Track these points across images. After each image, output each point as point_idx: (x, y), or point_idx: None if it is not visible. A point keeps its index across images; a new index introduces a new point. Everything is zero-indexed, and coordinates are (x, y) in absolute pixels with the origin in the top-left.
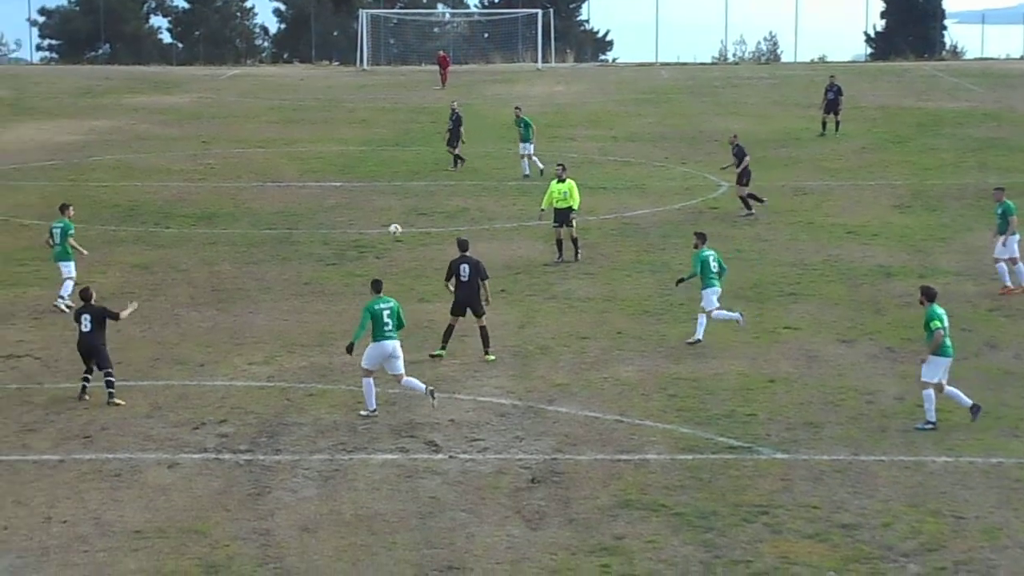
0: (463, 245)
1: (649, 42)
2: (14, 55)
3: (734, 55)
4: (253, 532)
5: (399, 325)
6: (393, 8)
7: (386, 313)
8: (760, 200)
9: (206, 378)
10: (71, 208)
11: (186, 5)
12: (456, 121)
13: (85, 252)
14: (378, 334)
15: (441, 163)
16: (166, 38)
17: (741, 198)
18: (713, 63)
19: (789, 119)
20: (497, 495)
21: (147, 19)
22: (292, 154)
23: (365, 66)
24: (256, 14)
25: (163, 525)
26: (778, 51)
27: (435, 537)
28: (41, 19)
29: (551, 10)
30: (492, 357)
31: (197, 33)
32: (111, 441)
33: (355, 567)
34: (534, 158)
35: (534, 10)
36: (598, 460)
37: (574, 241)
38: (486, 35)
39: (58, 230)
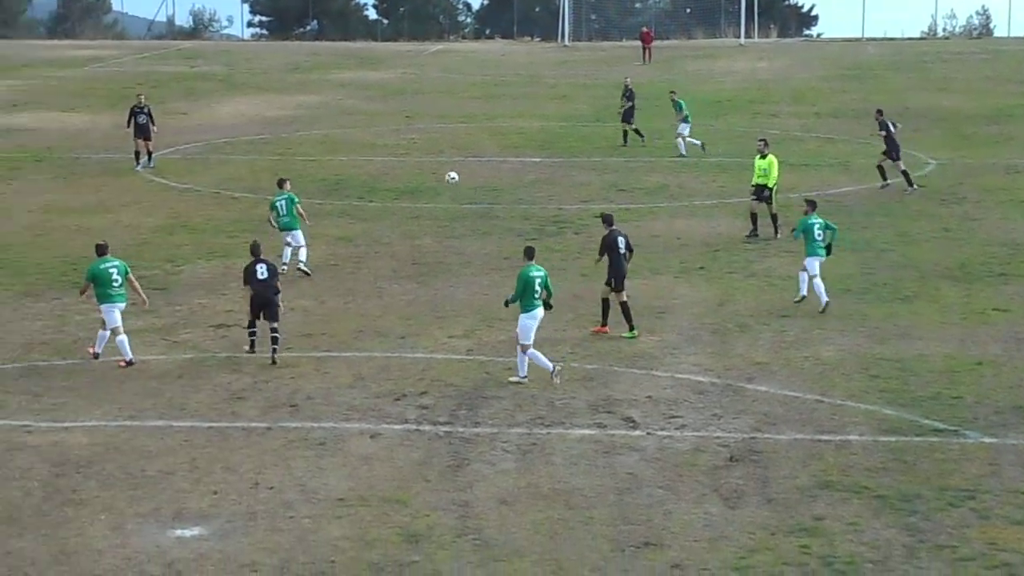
0: (609, 219)
1: (855, 17)
2: (226, 31)
3: (944, 30)
4: (452, 503)
5: (549, 294)
6: None
7: (537, 281)
8: (884, 179)
9: (407, 350)
10: (288, 182)
11: None
12: (629, 97)
13: (308, 221)
14: (528, 303)
15: (644, 139)
16: (371, 15)
17: (879, 167)
18: (922, 38)
19: (1002, 95)
20: (695, 473)
21: None
22: (493, 129)
23: (566, 42)
24: None
25: (365, 494)
26: (991, 25)
27: (632, 513)
28: None
29: None
30: (636, 333)
31: (402, 10)
32: (316, 410)
33: (552, 540)
34: (689, 138)
35: None
36: (798, 440)
37: (773, 218)
38: (688, 10)
39: (283, 202)
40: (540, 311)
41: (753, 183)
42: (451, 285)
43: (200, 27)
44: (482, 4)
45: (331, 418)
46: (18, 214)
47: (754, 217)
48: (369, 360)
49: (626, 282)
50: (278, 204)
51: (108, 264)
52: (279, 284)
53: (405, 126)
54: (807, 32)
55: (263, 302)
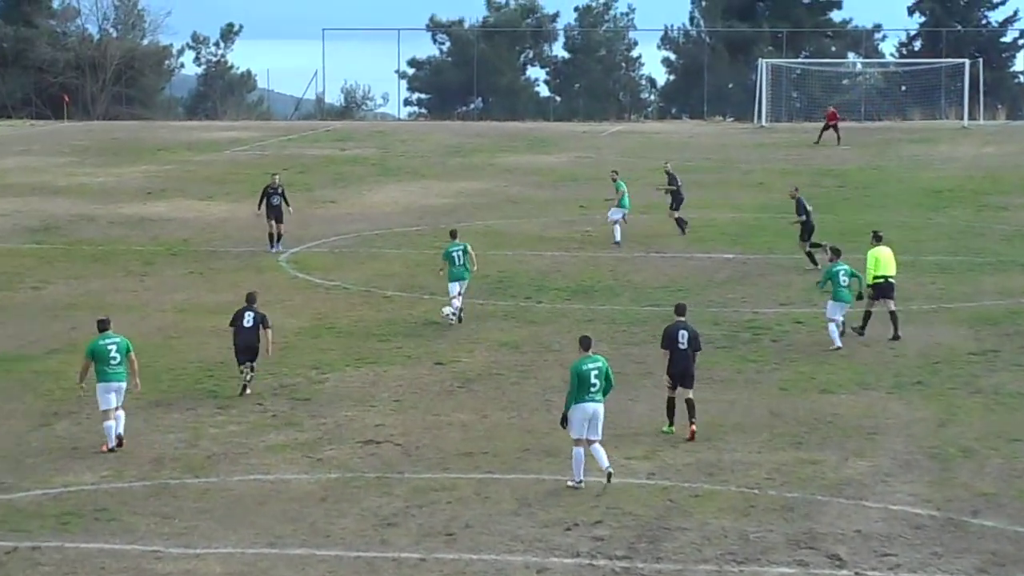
0: (680, 309)
1: None
2: (380, 110)
3: None
4: None
5: (607, 388)
6: (797, 57)
7: (593, 373)
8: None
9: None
10: (457, 232)
11: (566, 55)
12: (672, 182)
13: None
14: (582, 395)
15: (847, 233)
16: (543, 91)
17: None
18: None
19: None
20: None
21: (523, 71)
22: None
23: (763, 122)
24: (642, 64)
25: None
26: None
27: None
28: (410, 71)
29: (980, 60)
30: (672, 429)
31: (577, 86)
32: (475, 540)
33: None
34: (614, 223)
35: (960, 60)
36: None
37: (892, 316)
38: (903, 88)
39: (458, 252)
40: (594, 406)
41: (873, 276)
42: (630, 398)
43: (352, 106)
44: (667, 80)
45: (492, 549)
46: (151, 314)
47: (866, 316)
48: (536, 483)
49: (669, 376)
50: (454, 254)
51: (108, 340)
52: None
53: (579, 216)
54: None
55: (246, 346)
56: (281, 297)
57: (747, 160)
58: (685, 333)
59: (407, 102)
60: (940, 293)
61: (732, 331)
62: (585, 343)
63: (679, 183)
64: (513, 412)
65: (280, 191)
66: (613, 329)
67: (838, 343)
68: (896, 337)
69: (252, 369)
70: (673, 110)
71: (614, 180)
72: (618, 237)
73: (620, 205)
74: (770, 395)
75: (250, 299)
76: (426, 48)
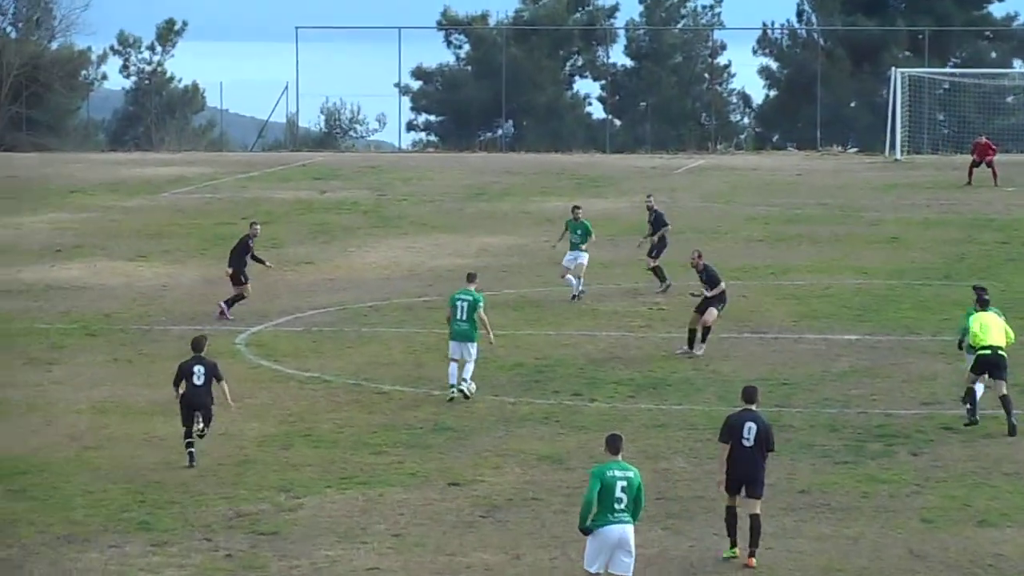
0: (749, 395)
1: None
2: (374, 137)
3: None
4: None
5: (636, 509)
6: (944, 66)
7: (621, 485)
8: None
9: None
10: (477, 277)
11: (628, 63)
12: (655, 222)
13: (491, 340)
14: (603, 514)
15: (1015, 305)
16: (596, 112)
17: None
18: None
19: None
20: None
21: (570, 84)
22: (782, 289)
23: (898, 154)
24: (733, 75)
25: None
26: None
27: None
28: (416, 84)
29: None
30: (736, 552)
31: (643, 105)
32: None
33: None
34: (570, 276)
35: None
36: None
37: (1002, 401)
38: None
39: (463, 303)
40: (620, 529)
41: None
42: (715, 531)
43: (336, 132)
44: (766, 97)
45: None
46: (60, 416)
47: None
48: None
49: (728, 482)
50: (458, 303)
51: None
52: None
53: (646, 283)
54: None
55: (196, 406)
56: (239, 393)
57: (876, 207)
58: (753, 426)
59: (411, 127)
60: None
61: (857, 440)
62: (613, 444)
63: (666, 224)
64: (556, 551)
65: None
66: (692, 437)
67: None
68: (1012, 432)
69: (207, 423)
70: (775, 138)
71: (576, 219)
72: (575, 285)
73: (578, 248)
74: (909, 529)
75: (197, 346)
76: (437, 53)
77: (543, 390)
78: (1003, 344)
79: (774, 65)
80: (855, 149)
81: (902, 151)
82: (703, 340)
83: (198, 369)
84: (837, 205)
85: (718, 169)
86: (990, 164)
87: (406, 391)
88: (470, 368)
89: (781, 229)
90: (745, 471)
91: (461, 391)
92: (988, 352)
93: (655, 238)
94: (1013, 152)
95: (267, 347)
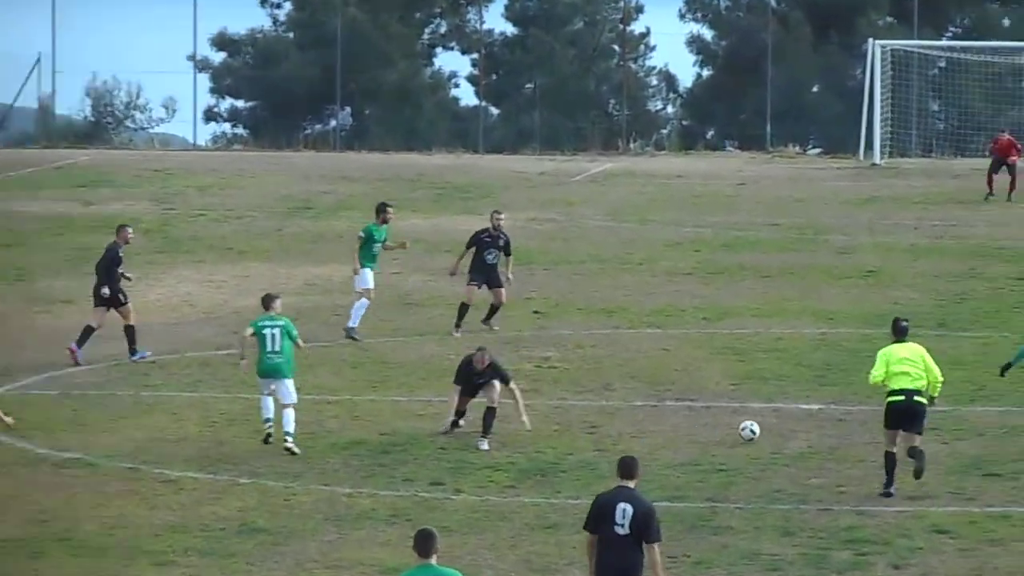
0: (626, 469)
1: None
2: (159, 128)
3: None
4: None
5: None
6: (939, 38)
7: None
8: None
9: None
10: (279, 300)
11: (510, 31)
12: (482, 244)
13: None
14: None
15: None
16: (466, 97)
17: None
18: None
19: None
20: None
21: (429, 58)
22: (718, 341)
23: (877, 158)
24: (652, 49)
25: None
26: None
27: None
28: (217, 57)
29: None
30: None
31: (530, 88)
32: None
33: None
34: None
35: None
36: None
37: (911, 454)
38: None
39: (273, 331)
40: None
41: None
42: None
43: (107, 121)
44: (697, 78)
45: None
46: None
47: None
48: None
49: None
50: (266, 333)
51: None
52: None
53: (532, 330)
54: None
55: None
56: None
57: (846, 228)
58: (629, 508)
59: (211, 115)
60: None
61: (819, 548)
62: (422, 544)
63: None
64: None
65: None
66: None
67: None
68: (918, 475)
69: None
70: (709, 134)
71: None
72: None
73: (366, 263)
74: None
75: None
76: (247, 14)
77: (390, 477)
78: (921, 388)
79: (708, 34)
80: (818, 150)
81: (883, 153)
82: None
83: None
84: (793, 226)
85: (631, 176)
86: (1011, 169)
87: (201, 478)
88: (291, 418)
89: (717, 258)
90: (617, 568)
91: (287, 447)
92: (900, 398)
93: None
94: None
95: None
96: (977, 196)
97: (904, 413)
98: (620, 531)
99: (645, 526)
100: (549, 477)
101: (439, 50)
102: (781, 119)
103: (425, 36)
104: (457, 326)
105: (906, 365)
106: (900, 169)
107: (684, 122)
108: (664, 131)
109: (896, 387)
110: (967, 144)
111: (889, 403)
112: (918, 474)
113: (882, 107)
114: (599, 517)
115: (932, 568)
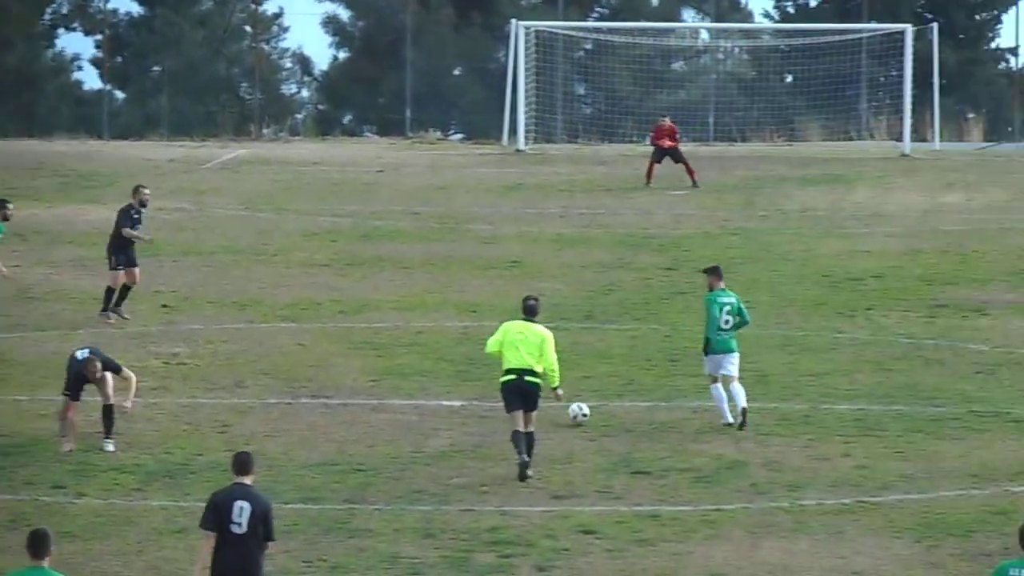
0: (241, 465)
1: None
2: None
3: None
4: None
5: None
6: (585, 19)
7: None
8: None
9: None
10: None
11: (135, 9)
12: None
13: None
14: None
15: (680, 353)
16: (88, 80)
17: None
18: None
19: None
20: None
21: (51, 40)
22: (356, 335)
23: (522, 143)
24: (287, 29)
25: None
26: None
27: None
28: None
29: (934, 27)
30: None
31: (156, 71)
32: None
33: None
34: None
35: (899, 26)
36: None
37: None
38: (788, 79)
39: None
40: None
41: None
42: None
43: None
44: (334, 60)
45: None
46: None
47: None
48: None
49: None
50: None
51: None
52: None
53: (159, 324)
54: None
55: None
56: None
57: (490, 217)
58: (246, 506)
59: None
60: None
61: (461, 550)
62: (34, 545)
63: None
64: None
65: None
66: None
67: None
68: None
69: None
70: (346, 119)
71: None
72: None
73: None
74: None
75: None
76: None
77: (9, 480)
78: (533, 368)
79: (345, 15)
80: (460, 136)
81: (527, 139)
82: None
83: None
84: (435, 215)
85: (265, 163)
86: (679, 157)
87: None
88: None
89: (354, 249)
90: (236, 567)
91: None
92: (512, 377)
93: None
94: (684, 140)
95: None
96: (626, 183)
97: (515, 392)
98: (237, 530)
99: (264, 525)
100: (178, 479)
101: (61, 31)
102: (422, 104)
103: (47, 16)
104: (106, 311)
105: (520, 345)
106: (546, 155)
107: (320, 107)
108: (299, 116)
109: (507, 366)
110: (615, 130)
111: (502, 383)
112: (524, 467)
113: (526, 91)
114: (216, 515)
115: (579, 570)
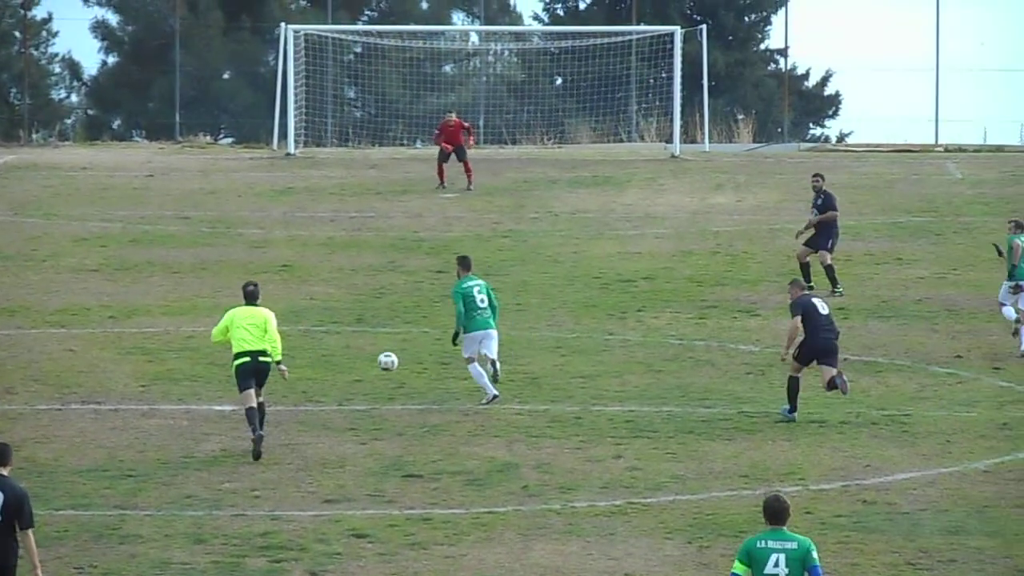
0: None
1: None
2: None
3: None
4: None
5: None
6: (355, 21)
7: None
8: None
9: None
10: None
11: None
12: None
13: None
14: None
15: (449, 355)
16: None
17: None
18: None
19: None
20: None
21: None
22: (126, 340)
23: (292, 147)
24: (56, 34)
25: None
26: None
27: None
28: None
29: (703, 29)
30: None
31: None
32: None
33: None
34: None
35: (667, 28)
36: None
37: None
38: (558, 81)
39: None
40: None
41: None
42: None
43: None
44: (103, 65)
45: None
46: None
47: None
48: None
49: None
50: None
51: None
52: None
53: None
54: (821, 130)
55: None
56: None
57: (261, 221)
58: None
59: None
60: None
61: (233, 555)
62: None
63: None
64: None
65: None
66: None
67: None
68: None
69: None
70: (116, 123)
71: None
72: None
73: None
74: None
75: None
76: None
77: None
78: (264, 348)
79: (114, 19)
80: (230, 140)
81: (297, 143)
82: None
83: None
84: (205, 220)
85: (34, 168)
86: (461, 156)
87: None
88: None
89: (124, 254)
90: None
91: None
92: (247, 359)
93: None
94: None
95: None
96: (396, 187)
97: (250, 372)
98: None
99: (17, 512)
100: None
101: None
102: (191, 108)
103: None
104: None
105: (250, 328)
106: (316, 159)
107: (89, 111)
108: (68, 121)
109: (239, 349)
110: (385, 132)
111: (237, 365)
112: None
113: (296, 94)
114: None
115: (351, 574)
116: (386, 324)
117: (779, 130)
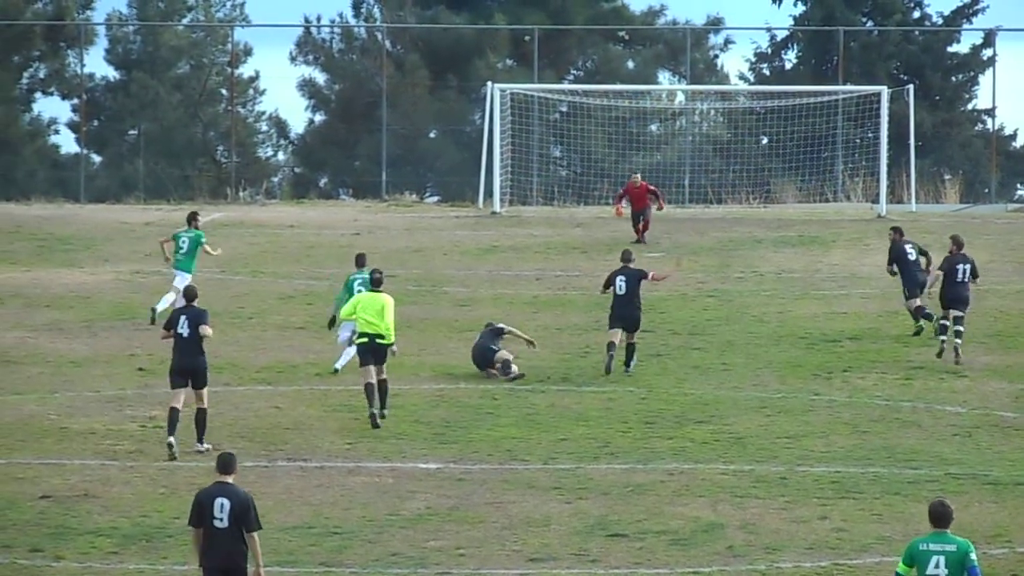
0: (224, 464)
1: None
2: None
3: None
4: None
5: None
6: (561, 80)
7: None
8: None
9: None
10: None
11: (112, 74)
12: None
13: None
14: None
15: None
16: (65, 144)
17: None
18: None
19: None
20: None
21: (28, 104)
22: (337, 398)
23: (497, 206)
24: (263, 92)
25: None
26: None
27: None
28: None
29: (911, 88)
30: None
31: (133, 134)
32: None
33: None
34: None
35: (874, 88)
36: None
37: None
38: (763, 140)
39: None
40: None
41: None
42: None
43: None
44: (310, 124)
45: None
46: None
47: None
48: None
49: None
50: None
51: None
52: None
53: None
54: None
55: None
56: None
57: (466, 280)
58: (226, 502)
59: None
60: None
61: None
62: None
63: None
64: None
65: None
66: None
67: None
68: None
69: None
70: (322, 182)
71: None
72: None
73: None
74: None
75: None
76: None
77: None
78: (381, 332)
79: (321, 78)
80: (436, 198)
81: (503, 201)
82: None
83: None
84: (410, 277)
85: (241, 226)
86: (643, 215)
87: None
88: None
89: (314, 317)
90: (222, 559)
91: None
92: (365, 340)
93: None
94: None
95: None
96: (601, 245)
97: (371, 351)
98: (220, 524)
99: (243, 517)
100: (155, 542)
101: (38, 95)
102: (397, 166)
103: (24, 81)
104: None
105: (369, 312)
106: (521, 218)
107: (296, 169)
108: (275, 179)
109: (361, 330)
110: (590, 191)
111: (358, 344)
112: (377, 416)
113: (502, 153)
114: (199, 513)
115: None
116: (591, 383)
117: (986, 191)
